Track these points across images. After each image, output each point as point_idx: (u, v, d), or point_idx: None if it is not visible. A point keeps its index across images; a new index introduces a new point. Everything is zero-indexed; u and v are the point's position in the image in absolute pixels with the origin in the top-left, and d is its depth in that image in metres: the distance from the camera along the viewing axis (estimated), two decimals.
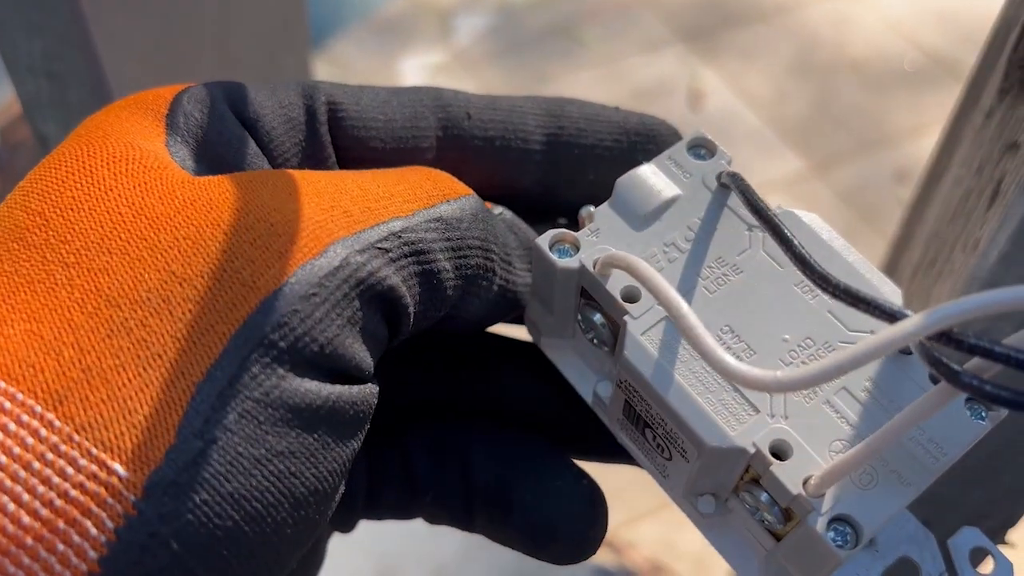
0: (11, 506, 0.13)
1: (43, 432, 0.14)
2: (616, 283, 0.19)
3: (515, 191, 0.22)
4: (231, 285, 0.15)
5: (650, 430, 0.19)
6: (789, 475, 0.17)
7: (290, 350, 0.15)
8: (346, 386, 0.16)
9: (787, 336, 0.19)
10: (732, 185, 0.20)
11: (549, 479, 0.21)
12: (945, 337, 0.14)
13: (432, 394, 0.23)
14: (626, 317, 0.19)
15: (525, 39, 1.37)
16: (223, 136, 0.19)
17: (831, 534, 0.16)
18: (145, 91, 0.19)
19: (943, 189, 0.30)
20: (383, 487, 0.22)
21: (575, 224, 0.21)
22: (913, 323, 0.14)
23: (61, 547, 0.13)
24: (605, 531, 0.21)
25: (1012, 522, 0.30)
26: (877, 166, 1.20)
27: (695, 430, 0.17)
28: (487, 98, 0.22)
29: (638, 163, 0.21)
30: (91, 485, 0.13)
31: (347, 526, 0.22)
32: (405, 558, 0.73)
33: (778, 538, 0.18)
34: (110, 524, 0.13)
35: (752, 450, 0.17)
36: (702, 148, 0.21)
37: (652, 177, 0.20)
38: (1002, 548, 0.23)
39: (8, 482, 0.13)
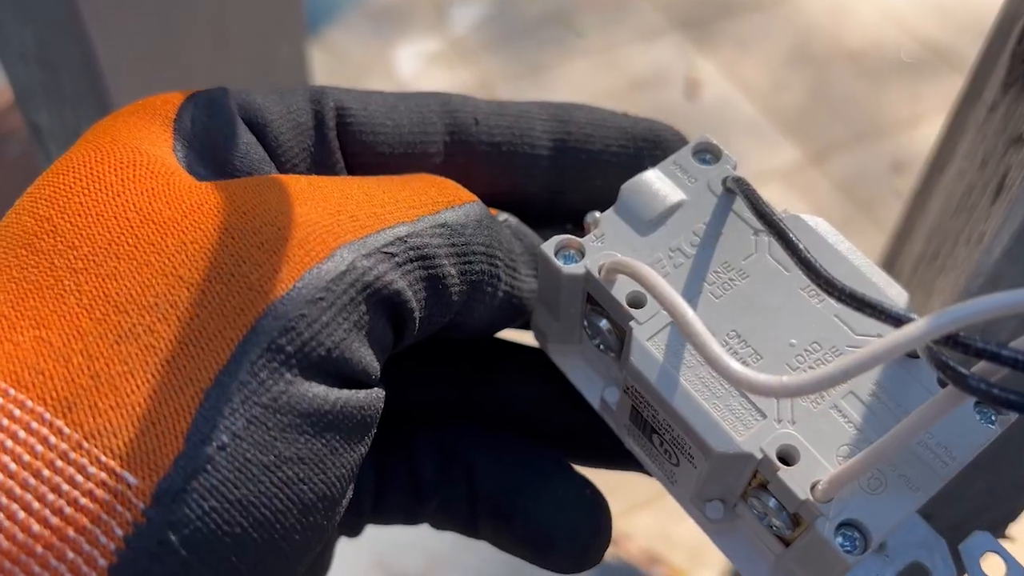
0: (21, 514, 0.13)
1: (52, 439, 0.14)
2: (622, 289, 0.19)
3: (522, 196, 0.22)
4: (239, 290, 0.15)
5: (657, 436, 0.19)
6: (797, 480, 0.17)
7: (298, 354, 0.15)
8: (353, 390, 0.16)
9: (794, 341, 0.18)
10: (737, 190, 0.20)
11: (552, 488, 0.21)
12: (952, 341, 0.14)
13: (438, 398, 0.23)
14: (632, 323, 0.18)
15: (521, 28, 1.37)
16: (231, 141, 0.19)
17: (839, 539, 0.16)
18: (153, 96, 0.19)
19: (945, 182, 0.29)
20: (389, 492, 0.22)
21: (581, 230, 0.21)
22: (919, 327, 0.14)
23: (71, 555, 0.13)
24: (608, 542, 0.21)
25: (1013, 516, 0.29)
26: (874, 156, 1.20)
27: (702, 436, 0.17)
28: (494, 104, 0.22)
29: (645, 169, 0.21)
30: (100, 493, 0.13)
31: (354, 530, 0.22)
32: (401, 547, 0.73)
33: (787, 543, 0.18)
34: (119, 532, 0.13)
35: (759, 456, 0.17)
36: (707, 153, 0.21)
37: (657, 182, 0.20)
38: (1002, 542, 0.23)
39: (18, 490, 0.13)
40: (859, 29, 1.36)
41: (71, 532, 0.13)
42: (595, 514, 0.21)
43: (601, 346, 0.20)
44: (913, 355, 0.18)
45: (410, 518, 0.22)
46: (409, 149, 0.21)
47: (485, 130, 0.21)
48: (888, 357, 0.14)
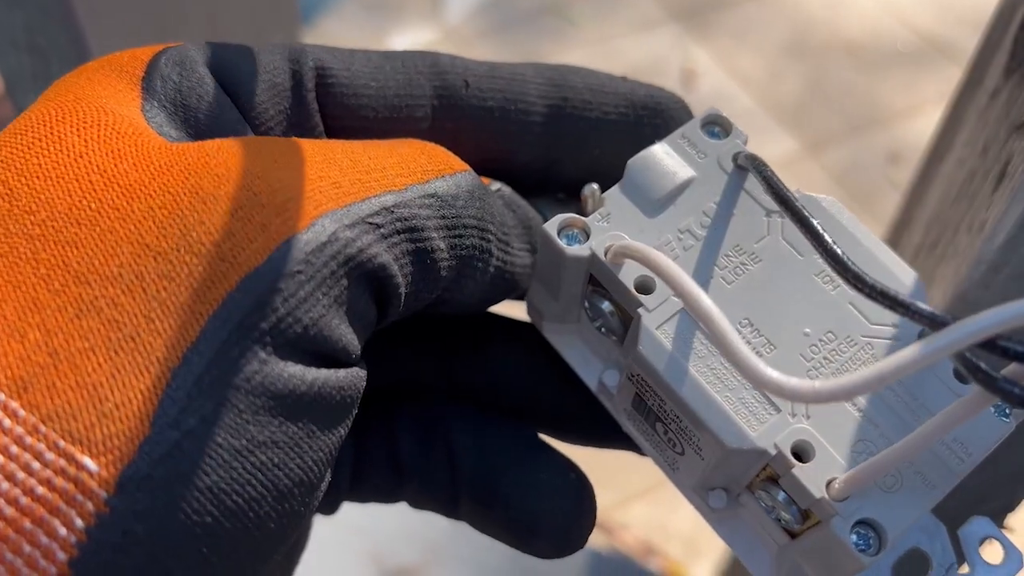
0: None
1: (6, 422, 0.13)
2: (629, 273, 0.18)
3: (514, 165, 0.21)
4: (209, 260, 0.14)
5: (662, 424, 0.18)
6: (812, 478, 0.16)
7: (272, 332, 0.14)
8: (332, 370, 0.15)
9: (808, 330, 0.18)
10: (752, 169, 0.19)
11: (535, 471, 0.20)
12: (989, 344, 0.13)
13: (423, 375, 0.22)
14: (640, 310, 0.18)
15: (516, 17, 1.36)
16: (203, 101, 0.17)
17: (854, 538, 0.16)
18: (120, 52, 0.18)
19: (945, 170, 0.29)
20: (368, 470, 0.21)
21: (576, 200, 0.20)
22: (961, 330, 0.13)
23: (27, 548, 0.12)
24: (591, 528, 0.21)
25: (1011, 506, 0.29)
26: (870, 147, 1.20)
27: (714, 430, 0.17)
28: (486, 65, 0.21)
29: (645, 137, 0.20)
30: (59, 481, 0.12)
31: (331, 508, 0.21)
32: (396, 536, 0.73)
33: (793, 535, 0.17)
34: (80, 523, 0.12)
35: (773, 452, 0.16)
36: (716, 126, 0.20)
37: (666, 158, 0.19)
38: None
39: None
40: (856, 20, 1.36)
41: (27, 523, 0.12)
42: (578, 499, 0.20)
43: (603, 328, 0.19)
44: None
45: (389, 496, 0.22)
46: (394, 113, 0.20)
47: (476, 94, 0.20)
48: (927, 363, 0.13)
